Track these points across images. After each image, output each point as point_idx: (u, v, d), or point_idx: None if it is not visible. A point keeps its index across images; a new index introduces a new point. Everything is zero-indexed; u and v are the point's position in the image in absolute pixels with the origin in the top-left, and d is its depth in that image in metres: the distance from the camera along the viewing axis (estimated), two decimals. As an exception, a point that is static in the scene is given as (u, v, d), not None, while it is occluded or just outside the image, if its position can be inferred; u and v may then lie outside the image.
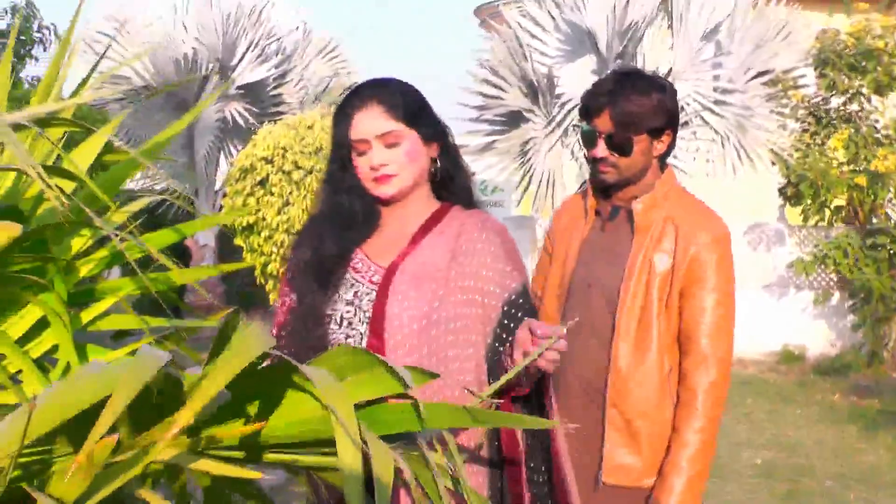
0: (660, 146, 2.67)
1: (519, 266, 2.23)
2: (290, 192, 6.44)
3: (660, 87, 2.66)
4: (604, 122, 2.61)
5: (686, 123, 8.72)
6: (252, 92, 11.26)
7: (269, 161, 6.53)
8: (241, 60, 11.16)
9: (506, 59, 8.73)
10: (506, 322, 2.16)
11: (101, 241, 2.04)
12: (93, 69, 2.27)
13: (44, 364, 1.86)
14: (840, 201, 10.27)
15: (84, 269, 1.94)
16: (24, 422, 1.12)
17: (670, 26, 8.81)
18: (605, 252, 2.72)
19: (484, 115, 8.93)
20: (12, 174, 1.93)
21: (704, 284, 2.61)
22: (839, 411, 8.62)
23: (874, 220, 10.42)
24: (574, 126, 8.53)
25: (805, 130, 10.42)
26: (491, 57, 8.80)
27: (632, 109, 2.59)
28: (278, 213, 6.41)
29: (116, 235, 1.78)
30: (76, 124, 1.78)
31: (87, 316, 1.95)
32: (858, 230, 10.45)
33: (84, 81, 2.23)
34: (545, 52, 8.83)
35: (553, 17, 8.82)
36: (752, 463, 6.88)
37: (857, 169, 10.00)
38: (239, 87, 11.17)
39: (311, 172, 6.40)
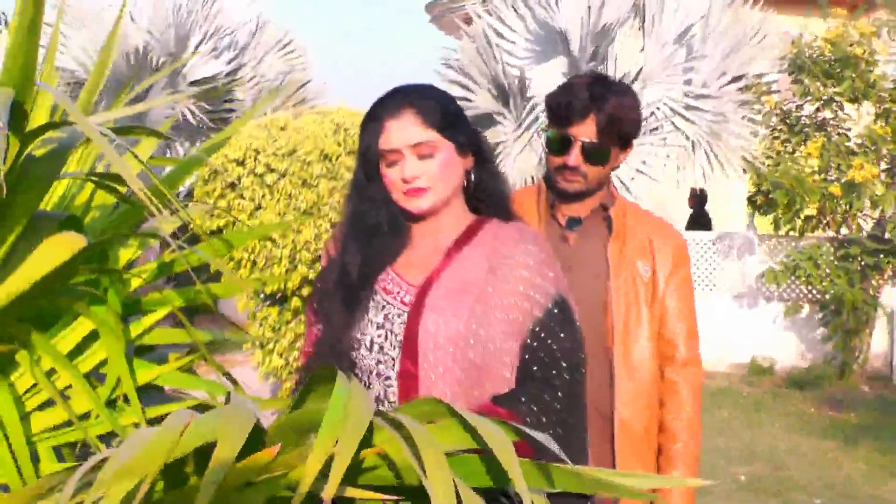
0: (622, 157, 2.56)
1: (553, 276, 2.08)
2: (263, 196, 6.08)
3: (635, 96, 2.59)
4: (586, 129, 2.46)
5: (656, 129, 8.53)
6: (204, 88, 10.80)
7: (241, 163, 6.16)
8: (193, 53, 10.68)
9: (475, 59, 8.46)
10: (535, 337, 2.01)
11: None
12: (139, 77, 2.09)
13: (92, 380, 1.78)
14: (811, 211, 10.12)
15: (135, 282, 1.88)
16: (167, 446, 1.13)
17: (642, 28, 8.61)
18: (577, 265, 2.55)
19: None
20: (64, 181, 1.86)
21: (681, 293, 2.61)
22: (815, 424, 8.50)
23: (843, 231, 10.28)
24: (542, 130, 8.19)
25: (776, 138, 10.26)
26: (461, 56, 8.52)
27: (622, 117, 2.47)
28: (250, 216, 6.04)
29: (175, 246, 1.69)
30: (154, 133, 1.73)
31: (135, 329, 1.88)
32: (830, 241, 10.29)
33: (125, 87, 2.08)
34: (514, 53, 8.59)
35: (522, 18, 8.58)
36: (735, 476, 6.71)
37: (829, 178, 9.87)
38: (191, 83, 10.70)
39: (283, 175, 6.03)
